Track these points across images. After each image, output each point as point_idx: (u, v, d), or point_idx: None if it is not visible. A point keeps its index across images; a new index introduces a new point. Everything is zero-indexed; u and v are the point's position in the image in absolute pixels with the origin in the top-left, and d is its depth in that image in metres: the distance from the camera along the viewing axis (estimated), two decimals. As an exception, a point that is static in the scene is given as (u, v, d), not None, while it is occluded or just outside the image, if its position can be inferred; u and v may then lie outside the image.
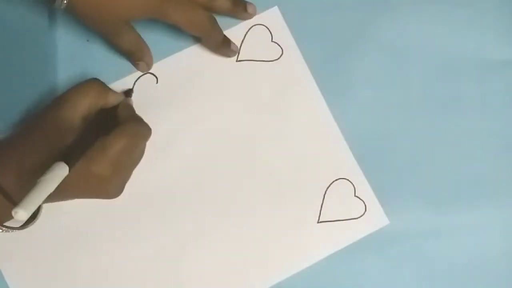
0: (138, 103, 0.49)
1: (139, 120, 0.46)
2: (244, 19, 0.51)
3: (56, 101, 0.45)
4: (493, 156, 0.51)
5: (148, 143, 0.46)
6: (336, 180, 0.50)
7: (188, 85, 0.50)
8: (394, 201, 0.50)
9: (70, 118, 0.43)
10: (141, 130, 0.45)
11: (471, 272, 0.49)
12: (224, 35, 0.49)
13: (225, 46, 0.50)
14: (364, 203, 0.49)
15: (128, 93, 0.49)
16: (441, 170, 0.50)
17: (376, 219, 0.49)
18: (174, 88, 0.50)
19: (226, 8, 0.49)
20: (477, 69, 0.52)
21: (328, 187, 0.50)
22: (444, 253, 0.49)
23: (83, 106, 0.44)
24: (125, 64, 0.50)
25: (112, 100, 0.47)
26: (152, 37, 0.49)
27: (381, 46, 0.51)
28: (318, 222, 0.49)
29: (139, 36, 0.48)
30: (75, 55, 0.50)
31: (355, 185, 0.50)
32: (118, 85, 0.49)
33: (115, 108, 0.47)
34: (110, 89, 0.47)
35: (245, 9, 0.50)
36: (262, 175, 0.50)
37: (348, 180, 0.50)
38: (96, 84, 0.46)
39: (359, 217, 0.49)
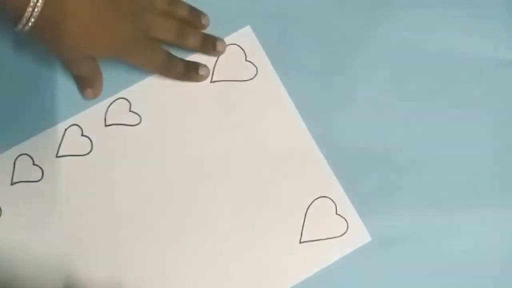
0: (112, 129, 0.49)
1: None
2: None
3: None
4: (493, 156, 0.50)
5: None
6: (317, 198, 0.49)
7: (163, 108, 0.50)
8: (394, 201, 0.49)
9: None
10: None
11: (472, 272, 0.48)
12: (187, 62, 0.50)
13: (190, 74, 0.50)
14: (345, 220, 0.49)
15: None
16: (441, 170, 0.50)
17: (358, 236, 0.48)
18: (149, 112, 0.49)
19: (196, 46, 0.50)
20: (477, 69, 0.51)
21: (309, 207, 0.49)
22: (444, 254, 0.48)
23: None
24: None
25: None
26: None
27: (378, 51, 0.51)
28: (300, 243, 0.48)
29: (97, 65, 0.48)
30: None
31: (336, 203, 0.49)
32: (90, 112, 0.49)
33: None
34: None
35: (214, 48, 0.50)
36: (242, 197, 0.49)
37: (329, 198, 0.49)
38: None
39: (341, 235, 0.48)
